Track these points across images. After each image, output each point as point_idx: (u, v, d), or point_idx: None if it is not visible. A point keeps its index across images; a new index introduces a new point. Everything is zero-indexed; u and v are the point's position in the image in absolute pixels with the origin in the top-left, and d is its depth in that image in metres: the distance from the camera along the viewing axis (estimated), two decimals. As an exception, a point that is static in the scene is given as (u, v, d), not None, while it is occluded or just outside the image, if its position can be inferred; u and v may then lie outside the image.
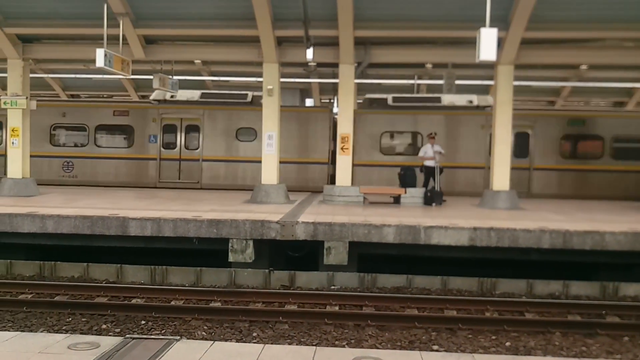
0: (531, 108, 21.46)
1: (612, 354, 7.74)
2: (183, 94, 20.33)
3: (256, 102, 19.64)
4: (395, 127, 19.24)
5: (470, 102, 19.32)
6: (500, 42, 13.19)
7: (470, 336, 8.29)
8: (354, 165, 18.31)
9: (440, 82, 17.79)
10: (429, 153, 15.52)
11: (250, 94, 20.38)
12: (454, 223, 11.50)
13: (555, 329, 8.48)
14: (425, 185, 15.52)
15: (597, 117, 18.86)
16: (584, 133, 18.73)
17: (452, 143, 18.44)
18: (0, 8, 14.73)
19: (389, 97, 19.61)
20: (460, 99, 19.36)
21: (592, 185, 18.25)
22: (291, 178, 18.63)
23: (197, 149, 19.65)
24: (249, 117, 19.27)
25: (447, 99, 19.28)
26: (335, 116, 19.17)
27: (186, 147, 19.72)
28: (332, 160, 19.00)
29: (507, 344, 8.04)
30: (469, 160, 18.55)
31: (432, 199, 15.08)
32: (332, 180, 18.93)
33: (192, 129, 19.72)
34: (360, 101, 20.68)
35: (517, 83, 15.67)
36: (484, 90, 22.16)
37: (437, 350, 7.69)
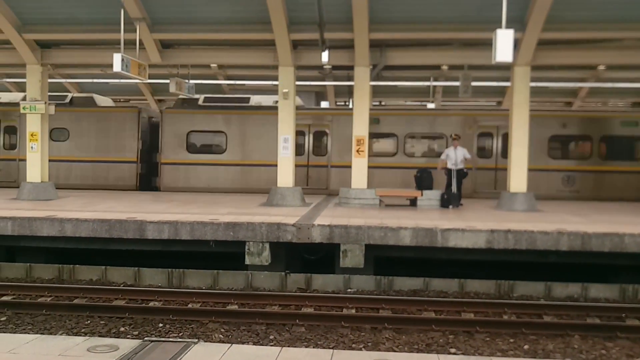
0: (330, 107, 21.81)
1: (632, 357, 7.65)
2: (6, 97, 21.02)
3: (76, 103, 20.31)
4: (203, 127, 19.78)
5: (276, 102, 19.50)
6: (517, 44, 13.10)
7: (488, 339, 8.25)
8: (161, 164, 19.43)
9: (457, 83, 17.72)
10: (450, 156, 15.36)
11: (70, 95, 20.98)
12: (471, 225, 11.44)
13: (574, 331, 8.41)
14: (447, 187, 15.42)
15: (390, 116, 19.37)
16: (379, 132, 19.19)
17: (256, 142, 19.26)
18: (19, 14, 14.94)
19: (201, 97, 20.20)
20: (267, 100, 19.93)
21: (388, 182, 18.56)
22: (102, 177, 19.39)
23: (15, 149, 20.29)
24: (63, 118, 19.66)
25: (255, 99, 19.90)
26: (145, 116, 20.27)
27: (4, 148, 20.43)
28: (141, 159, 19.78)
29: (526, 347, 7.98)
30: (267, 159, 19.11)
31: (449, 201, 15.00)
32: (141, 179, 19.79)
33: (11, 130, 20.42)
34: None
35: (533, 84, 15.55)
36: (500, 91, 22.03)
37: (454, 354, 7.65)
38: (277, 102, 19.18)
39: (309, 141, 19.50)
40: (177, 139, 19.57)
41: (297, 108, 19.22)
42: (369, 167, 18.03)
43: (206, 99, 20.10)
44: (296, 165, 18.64)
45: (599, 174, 18.44)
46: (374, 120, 18.67)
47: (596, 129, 18.60)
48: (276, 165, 17.68)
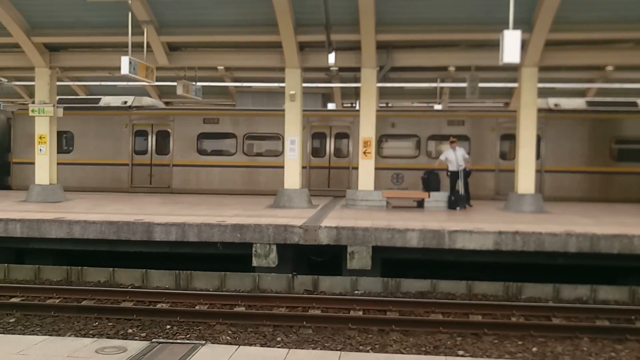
0: (172, 108, 22.41)
1: (642, 360, 7.60)
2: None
3: None
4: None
5: (125, 102, 20.46)
6: (524, 44, 13.06)
7: (496, 341, 8.21)
8: (12, 163, 20.42)
9: (464, 85, 17.68)
10: (451, 158, 15.37)
11: None
12: (478, 227, 11.40)
13: (583, 334, 8.36)
14: (452, 189, 15.40)
15: (229, 116, 20.00)
16: (219, 131, 19.78)
17: (102, 142, 19.94)
18: (28, 18, 15.03)
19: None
20: (116, 100, 20.52)
21: (227, 180, 19.45)
22: None
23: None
24: None
25: (105, 100, 20.54)
26: (3, 118, 21.13)
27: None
28: None
29: (534, 349, 7.94)
30: (115, 158, 19.85)
31: (456, 203, 14.97)
32: None
33: None
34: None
35: (541, 85, 15.49)
36: (508, 93, 21.96)
37: (462, 356, 7.63)
38: (125, 102, 20.32)
39: (152, 141, 20.04)
40: (27, 139, 19.84)
41: (142, 108, 20.26)
42: (208, 165, 19.18)
43: (59, 101, 20.42)
44: (140, 164, 19.69)
45: None
46: (213, 121, 19.64)
47: (423, 128, 19.01)
48: (120, 165, 18.75)
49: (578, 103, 19.24)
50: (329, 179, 19.40)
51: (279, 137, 19.39)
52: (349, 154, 19.29)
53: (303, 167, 18.89)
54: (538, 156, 18.47)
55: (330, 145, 19.49)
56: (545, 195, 17.32)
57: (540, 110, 18.83)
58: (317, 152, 19.50)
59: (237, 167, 19.47)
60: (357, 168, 18.38)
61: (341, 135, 19.48)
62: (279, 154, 19.35)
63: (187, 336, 8.32)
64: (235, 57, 16.22)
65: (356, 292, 10.70)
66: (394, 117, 19.33)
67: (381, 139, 19.02)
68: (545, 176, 18.52)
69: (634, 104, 19.01)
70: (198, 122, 19.86)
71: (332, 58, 14.43)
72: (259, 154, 19.82)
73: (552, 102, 19.15)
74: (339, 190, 18.87)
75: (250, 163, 19.53)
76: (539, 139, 18.55)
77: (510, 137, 18.52)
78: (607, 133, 18.52)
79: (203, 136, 19.91)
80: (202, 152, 19.91)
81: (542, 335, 8.37)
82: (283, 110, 20.34)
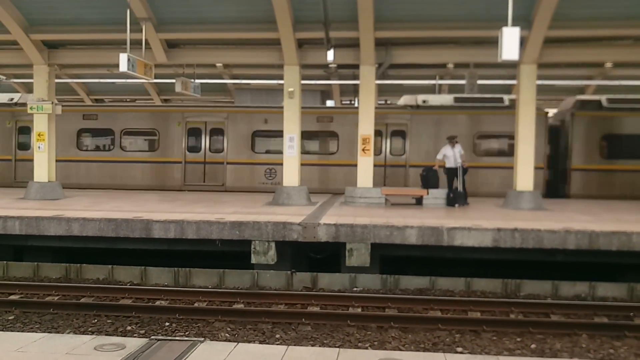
0: (79, 105, 22.71)
1: (640, 356, 7.61)
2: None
3: None
4: None
5: (11, 99, 20.81)
6: (523, 41, 13.06)
7: (494, 338, 8.22)
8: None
9: (462, 82, 17.69)
10: (448, 155, 15.37)
11: None
12: (477, 224, 11.41)
13: (581, 331, 8.37)
14: (449, 186, 15.41)
15: (107, 113, 20.36)
16: (98, 127, 20.26)
17: None
18: (26, 15, 15.00)
19: None
20: (2, 97, 21.00)
21: (106, 176, 19.94)
22: None
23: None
24: None
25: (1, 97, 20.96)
26: None
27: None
28: None
29: (533, 346, 7.96)
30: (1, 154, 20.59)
31: (455, 200, 14.98)
32: None
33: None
34: None
35: (540, 82, 15.49)
36: (507, 89, 21.99)
37: (461, 353, 7.63)
38: (12, 99, 20.74)
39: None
40: None
41: (16, 105, 20.40)
42: (87, 161, 19.62)
43: None
44: (23, 160, 20.00)
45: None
46: (93, 117, 20.06)
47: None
48: (4, 160, 19.57)
49: (446, 99, 19.24)
50: (205, 174, 19.58)
51: (155, 133, 19.74)
52: (224, 150, 19.43)
53: (179, 162, 19.39)
54: (403, 152, 18.80)
55: (205, 141, 19.63)
56: None
57: (406, 107, 18.99)
58: (193, 147, 19.62)
59: (115, 162, 19.83)
60: (231, 163, 19.25)
61: (216, 131, 19.59)
62: (156, 149, 19.72)
63: (186, 333, 8.33)
64: (234, 54, 16.19)
65: (355, 289, 10.72)
66: (267, 113, 19.30)
67: (255, 135, 19.36)
68: (410, 171, 18.72)
69: (500, 99, 18.94)
70: (78, 118, 20.07)
71: (330, 55, 14.42)
72: (136, 150, 20.07)
73: (420, 98, 19.17)
74: (214, 185, 19.19)
75: (127, 158, 19.81)
76: (404, 135, 18.65)
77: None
78: (471, 129, 18.64)
79: (83, 132, 20.16)
80: (81, 147, 20.19)
81: (540, 332, 8.38)
82: (158, 106, 20.84)
